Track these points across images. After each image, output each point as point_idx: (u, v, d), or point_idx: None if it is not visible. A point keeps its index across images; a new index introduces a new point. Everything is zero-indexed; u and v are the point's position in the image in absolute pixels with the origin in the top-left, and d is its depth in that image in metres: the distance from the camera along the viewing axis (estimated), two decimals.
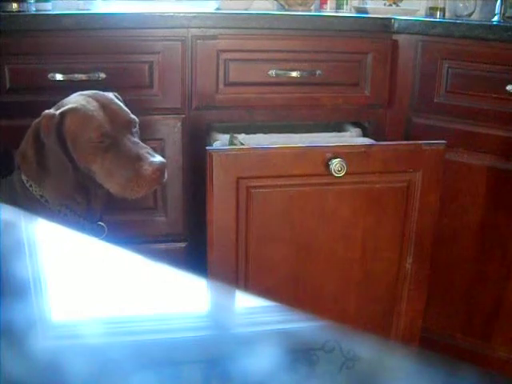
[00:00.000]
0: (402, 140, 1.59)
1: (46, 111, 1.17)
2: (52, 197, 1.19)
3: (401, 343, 1.42)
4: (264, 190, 1.24)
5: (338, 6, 2.01)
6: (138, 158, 1.13)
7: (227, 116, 1.55)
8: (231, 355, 0.34)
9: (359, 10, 1.95)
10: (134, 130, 1.21)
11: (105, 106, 1.19)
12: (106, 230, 1.25)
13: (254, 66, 1.52)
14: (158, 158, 1.14)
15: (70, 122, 1.16)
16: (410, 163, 1.29)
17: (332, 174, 1.22)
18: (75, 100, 1.20)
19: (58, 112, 1.16)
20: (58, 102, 1.42)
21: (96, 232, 1.23)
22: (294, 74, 1.53)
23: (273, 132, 1.54)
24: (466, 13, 1.94)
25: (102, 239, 1.21)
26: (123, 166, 1.14)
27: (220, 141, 1.46)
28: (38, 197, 1.20)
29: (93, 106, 1.18)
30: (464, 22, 1.58)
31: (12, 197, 1.21)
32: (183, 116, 1.50)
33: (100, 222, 1.26)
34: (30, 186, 1.20)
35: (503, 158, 1.49)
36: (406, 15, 1.71)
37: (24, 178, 1.21)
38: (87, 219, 1.24)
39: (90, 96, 1.20)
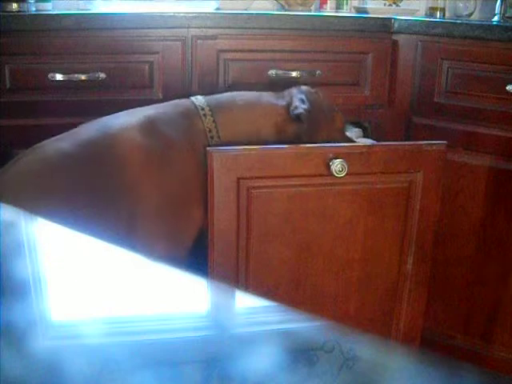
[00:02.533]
0: (402, 140, 1.59)
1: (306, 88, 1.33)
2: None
3: (401, 344, 1.42)
4: (265, 191, 1.24)
5: (338, 6, 2.01)
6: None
7: None
8: (231, 355, 0.34)
9: (359, 10, 1.95)
10: None
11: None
12: None
13: (254, 66, 1.52)
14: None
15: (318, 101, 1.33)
16: (411, 164, 1.29)
17: (333, 175, 1.22)
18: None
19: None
20: (58, 102, 1.43)
21: None
22: (294, 74, 1.53)
23: None
24: (465, 13, 1.94)
25: None
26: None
27: None
28: (207, 129, 1.22)
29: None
30: (464, 22, 1.58)
31: (181, 129, 1.20)
32: None
33: None
34: (204, 115, 1.22)
35: (503, 158, 1.49)
36: (406, 15, 1.71)
37: (200, 104, 1.23)
38: None
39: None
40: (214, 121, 1.22)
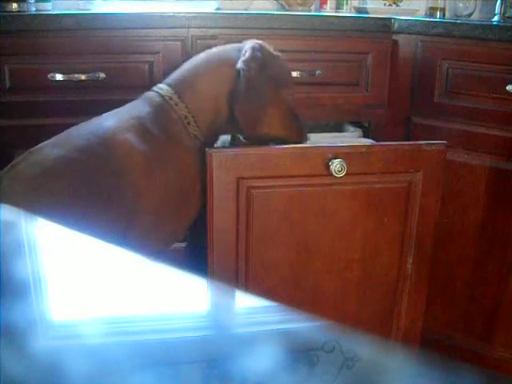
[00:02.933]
0: (402, 140, 1.59)
1: (280, 59, 1.29)
2: (245, 124, 1.22)
3: (401, 344, 1.42)
4: (264, 191, 1.24)
5: (338, 6, 2.01)
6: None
7: None
8: (231, 355, 0.34)
9: (359, 10, 1.95)
10: None
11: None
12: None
13: None
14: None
15: (277, 65, 1.27)
16: (411, 163, 1.29)
17: (332, 175, 1.22)
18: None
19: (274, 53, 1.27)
20: (58, 102, 1.43)
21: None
22: (294, 74, 1.53)
23: None
24: (465, 13, 1.94)
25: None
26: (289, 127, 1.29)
27: (221, 141, 1.46)
28: (182, 116, 1.20)
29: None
30: (464, 22, 1.58)
31: (161, 125, 1.19)
32: None
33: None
34: (176, 104, 1.20)
35: (503, 158, 1.49)
36: (406, 15, 1.71)
37: (168, 94, 1.21)
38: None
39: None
40: (186, 106, 1.20)
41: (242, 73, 1.20)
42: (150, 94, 1.24)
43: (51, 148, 1.15)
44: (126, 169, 1.13)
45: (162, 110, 1.20)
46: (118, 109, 1.23)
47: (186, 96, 1.21)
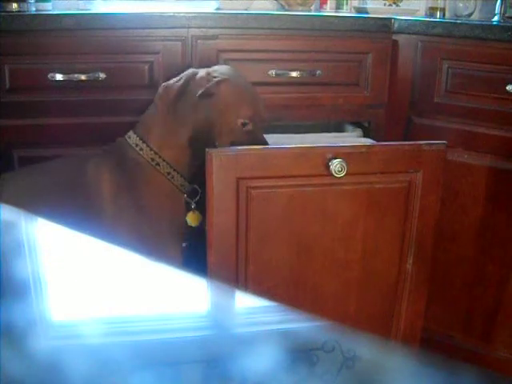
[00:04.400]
0: (402, 140, 1.59)
1: (202, 72, 1.26)
2: (167, 135, 1.26)
3: (401, 343, 1.42)
4: (264, 191, 1.24)
5: (338, 6, 2.01)
6: None
7: None
8: (231, 355, 0.34)
9: (359, 10, 1.95)
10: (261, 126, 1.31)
11: (254, 92, 1.31)
12: (200, 192, 1.31)
13: (254, 66, 1.52)
14: None
15: (225, 92, 1.24)
16: (411, 163, 1.29)
17: (332, 175, 1.22)
18: (229, 72, 1.29)
19: (215, 79, 1.24)
20: (58, 102, 1.43)
21: (193, 195, 1.32)
22: (294, 74, 1.53)
23: (273, 132, 1.54)
24: (465, 13, 1.94)
25: (196, 202, 1.31)
26: None
27: None
28: (149, 160, 1.26)
29: (248, 86, 1.30)
30: (464, 22, 1.58)
31: (119, 159, 1.27)
32: None
33: (195, 186, 1.32)
34: (141, 149, 1.26)
35: (503, 158, 1.49)
36: (406, 15, 1.71)
37: (136, 141, 1.27)
38: (188, 181, 1.31)
39: (241, 76, 1.32)
40: (150, 149, 1.27)
41: (160, 94, 1.27)
42: (120, 142, 1.31)
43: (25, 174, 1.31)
44: (101, 194, 1.23)
45: (131, 158, 1.28)
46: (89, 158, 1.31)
47: (150, 140, 1.28)
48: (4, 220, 0.51)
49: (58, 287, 0.43)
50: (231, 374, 0.32)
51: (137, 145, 1.27)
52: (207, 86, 1.22)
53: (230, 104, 1.25)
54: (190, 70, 1.28)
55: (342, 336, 0.36)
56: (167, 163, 1.27)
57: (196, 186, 1.31)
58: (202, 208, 1.29)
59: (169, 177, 1.28)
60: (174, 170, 1.28)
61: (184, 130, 1.25)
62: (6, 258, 0.44)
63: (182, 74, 1.28)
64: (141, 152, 1.27)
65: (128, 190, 1.24)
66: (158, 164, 1.26)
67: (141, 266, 0.46)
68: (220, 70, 1.30)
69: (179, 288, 0.44)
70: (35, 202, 1.20)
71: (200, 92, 1.22)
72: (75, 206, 1.22)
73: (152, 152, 1.26)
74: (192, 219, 1.32)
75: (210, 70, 1.29)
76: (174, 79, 1.27)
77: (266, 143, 1.29)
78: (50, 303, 0.41)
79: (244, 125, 1.26)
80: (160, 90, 1.27)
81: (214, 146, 1.23)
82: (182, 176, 1.29)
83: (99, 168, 1.24)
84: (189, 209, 1.32)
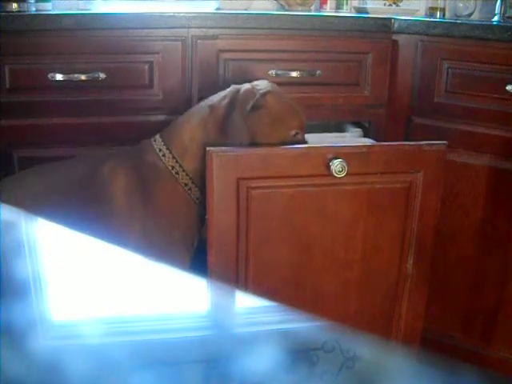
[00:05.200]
0: (402, 140, 1.59)
1: (247, 86, 1.25)
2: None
3: (401, 343, 1.42)
4: (264, 191, 1.24)
5: (338, 6, 2.01)
6: None
7: None
8: (231, 355, 0.34)
9: (359, 10, 1.95)
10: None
11: (295, 102, 1.31)
12: None
13: (254, 66, 1.52)
14: None
15: (273, 104, 1.24)
16: (411, 164, 1.29)
17: (333, 175, 1.22)
18: (269, 85, 1.28)
19: (261, 91, 1.23)
20: (58, 102, 1.43)
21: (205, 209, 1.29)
22: (294, 74, 1.53)
23: None
24: (465, 13, 1.94)
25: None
26: None
27: None
28: (170, 167, 1.25)
29: (289, 98, 1.30)
30: (464, 22, 1.58)
31: (137, 162, 1.26)
32: None
33: None
34: (164, 155, 1.25)
35: (503, 158, 1.49)
36: (406, 15, 1.71)
37: (160, 146, 1.25)
38: (204, 194, 1.28)
39: (278, 87, 1.31)
40: (173, 157, 1.25)
41: (208, 112, 1.24)
42: (145, 144, 1.29)
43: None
44: (110, 186, 1.22)
45: (151, 162, 1.26)
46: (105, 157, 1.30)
47: (174, 147, 1.26)
48: (4, 220, 0.51)
49: (57, 287, 0.43)
50: (231, 374, 0.32)
51: (160, 150, 1.25)
52: (256, 97, 1.22)
53: (280, 115, 1.25)
54: (233, 87, 1.26)
55: (342, 336, 0.36)
56: (187, 174, 1.25)
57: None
58: None
59: (186, 188, 1.25)
60: (193, 182, 1.26)
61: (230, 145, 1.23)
62: (6, 257, 0.44)
63: (225, 92, 1.26)
64: (163, 158, 1.25)
65: (143, 195, 1.23)
66: (177, 173, 1.25)
67: (141, 266, 0.46)
68: (262, 83, 1.29)
69: (179, 288, 0.44)
70: (46, 203, 1.19)
71: (250, 104, 1.21)
72: (87, 208, 1.21)
73: (174, 160, 1.24)
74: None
75: (252, 83, 1.28)
76: (217, 97, 1.25)
77: None
78: (49, 303, 0.41)
79: (295, 135, 1.26)
80: (205, 108, 1.25)
81: None
82: (199, 189, 1.27)
83: (115, 170, 1.23)
84: (203, 223, 1.29)
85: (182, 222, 1.28)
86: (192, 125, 1.26)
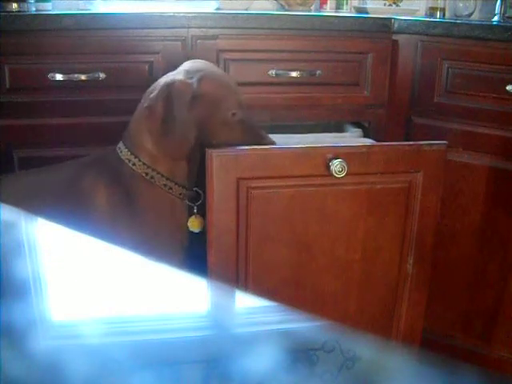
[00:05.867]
0: (402, 140, 1.59)
1: (179, 78, 1.19)
2: (168, 154, 1.22)
3: (401, 343, 1.42)
4: (264, 191, 1.24)
5: (338, 6, 2.01)
6: (262, 137, 1.26)
7: None
8: (231, 355, 0.34)
9: (359, 10, 1.95)
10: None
11: (230, 79, 1.28)
12: (203, 195, 1.27)
13: (254, 66, 1.52)
14: (273, 140, 1.27)
15: (209, 89, 1.20)
16: (411, 164, 1.29)
17: (333, 175, 1.22)
18: (203, 67, 1.24)
19: (194, 79, 1.19)
20: (58, 102, 1.43)
21: (194, 199, 1.28)
22: (294, 74, 1.53)
23: (273, 132, 1.53)
24: (466, 13, 1.94)
25: (198, 205, 1.27)
26: (248, 141, 1.22)
27: None
28: (144, 174, 1.22)
29: (224, 75, 1.27)
30: (464, 22, 1.58)
31: (114, 176, 1.23)
32: None
33: (196, 188, 1.28)
34: (134, 164, 1.22)
35: (503, 157, 1.49)
36: (406, 15, 1.71)
37: (128, 156, 1.23)
38: (187, 188, 1.27)
39: (214, 66, 1.28)
40: (143, 164, 1.22)
41: (147, 116, 1.20)
42: (109, 155, 1.26)
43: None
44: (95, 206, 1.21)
45: (120, 171, 1.23)
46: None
47: (142, 154, 1.22)
48: (4, 220, 0.51)
49: (58, 287, 0.43)
50: (231, 374, 0.32)
51: (129, 160, 1.22)
52: (193, 88, 1.17)
53: (217, 99, 1.20)
54: (163, 80, 1.20)
55: (342, 336, 0.36)
56: (162, 175, 1.23)
57: (197, 189, 1.28)
58: (204, 211, 1.28)
59: (166, 188, 1.23)
60: (171, 180, 1.24)
61: (179, 143, 1.20)
62: (6, 257, 0.44)
63: (156, 85, 1.20)
64: (134, 167, 1.22)
65: (125, 206, 1.21)
66: (152, 177, 1.22)
67: (141, 266, 0.46)
68: (193, 66, 1.24)
69: (179, 288, 0.44)
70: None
71: (189, 96, 1.17)
72: (69, 221, 1.19)
73: (145, 166, 1.22)
74: (193, 224, 1.28)
75: (182, 70, 1.22)
76: (152, 94, 1.19)
77: (260, 128, 1.27)
78: (49, 303, 0.41)
79: (234, 115, 1.22)
80: (144, 111, 1.21)
81: (212, 147, 1.21)
82: (179, 185, 1.25)
83: (95, 185, 1.20)
84: (191, 214, 1.29)
85: (170, 223, 1.27)
86: (143, 130, 1.22)
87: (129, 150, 1.23)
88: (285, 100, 1.56)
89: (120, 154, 1.24)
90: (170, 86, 1.17)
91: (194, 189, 1.29)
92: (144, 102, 1.22)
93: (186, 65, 1.25)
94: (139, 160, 1.22)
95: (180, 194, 1.26)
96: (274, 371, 0.32)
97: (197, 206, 1.28)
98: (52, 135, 1.44)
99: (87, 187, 1.21)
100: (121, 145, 1.25)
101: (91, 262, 0.47)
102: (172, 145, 1.20)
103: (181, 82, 1.18)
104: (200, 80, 1.19)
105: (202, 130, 1.21)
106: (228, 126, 1.22)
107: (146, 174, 1.22)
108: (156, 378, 0.31)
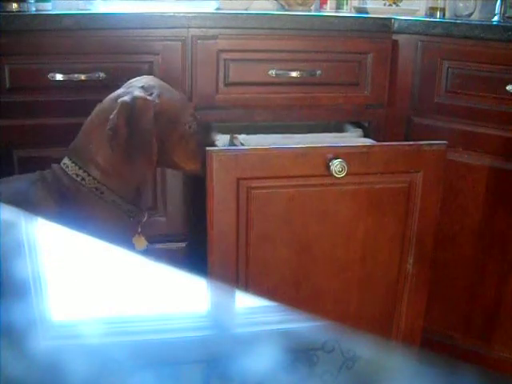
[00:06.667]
0: (402, 140, 1.59)
1: (138, 94, 1.17)
2: (136, 174, 1.22)
3: (401, 343, 1.42)
4: (264, 191, 1.24)
5: (338, 6, 2.01)
6: (214, 141, 1.32)
7: (227, 116, 1.54)
8: (231, 355, 0.34)
9: (359, 10, 1.95)
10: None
11: (178, 92, 1.29)
12: (146, 215, 1.28)
13: (254, 66, 1.52)
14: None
15: (166, 105, 1.20)
16: (411, 164, 1.29)
17: (333, 175, 1.22)
18: (154, 83, 1.24)
19: (154, 95, 1.19)
20: (58, 102, 1.43)
21: (140, 217, 1.27)
22: (294, 74, 1.53)
23: (273, 132, 1.54)
24: (466, 13, 1.94)
25: (144, 223, 1.27)
26: (203, 151, 1.23)
27: (220, 141, 1.46)
28: (93, 189, 1.19)
29: (171, 89, 1.26)
30: (464, 22, 1.58)
31: (61, 189, 1.20)
32: None
33: (142, 208, 1.28)
34: (83, 179, 1.19)
35: (503, 157, 1.49)
36: (406, 15, 1.71)
37: (76, 171, 1.19)
38: (136, 205, 1.25)
39: (160, 80, 1.28)
40: (93, 178, 1.19)
41: (111, 137, 1.17)
42: (56, 172, 1.22)
43: None
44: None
45: (71, 187, 1.20)
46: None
47: (91, 168, 1.19)
48: (4, 220, 0.51)
49: (58, 287, 0.43)
50: (231, 374, 0.32)
51: (77, 175, 1.19)
52: (154, 103, 1.16)
53: (176, 114, 1.21)
54: (120, 100, 1.16)
55: (342, 336, 0.36)
56: (112, 191, 1.20)
57: (137, 208, 1.25)
58: (147, 232, 1.28)
59: (115, 204, 1.21)
60: (120, 197, 1.21)
61: (147, 161, 1.18)
62: (6, 257, 0.44)
63: (110, 104, 1.19)
64: (83, 182, 1.19)
65: (72, 219, 1.18)
66: (102, 192, 1.19)
67: (141, 266, 0.46)
68: (147, 82, 1.22)
69: (179, 288, 0.44)
70: None
71: (152, 114, 1.15)
72: None
73: (95, 181, 1.19)
74: (137, 243, 1.27)
75: (136, 86, 1.20)
76: (112, 114, 1.15)
77: (211, 129, 1.32)
78: (49, 303, 0.41)
79: (190, 127, 1.23)
80: (107, 132, 1.16)
81: (171, 164, 1.25)
82: (128, 202, 1.22)
83: (46, 197, 1.17)
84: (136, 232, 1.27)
85: (117, 239, 1.24)
86: (99, 148, 1.19)
87: (76, 165, 1.19)
88: (285, 100, 1.56)
89: (66, 169, 1.20)
90: (131, 103, 1.15)
91: (136, 207, 1.26)
92: (97, 120, 1.20)
93: (138, 81, 1.24)
94: (89, 175, 1.19)
95: (128, 211, 1.23)
96: (273, 371, 0.32)
97: (141, 225, 1.26)
98: (52, 135, 1.44)
99: (36, 202, 1.17)
100: (66, 160, 1.21)
101: (91, 262, 0.47)
102: (139, 164, 1.18)
103: (142, 99, 1.16)
104: (159, 96, 1.19)
105: (161, 147, 1.20)
106: (185, 139, 1.23)
107: (96, 188, 1.19)
108: (156, 378, 0.31)
